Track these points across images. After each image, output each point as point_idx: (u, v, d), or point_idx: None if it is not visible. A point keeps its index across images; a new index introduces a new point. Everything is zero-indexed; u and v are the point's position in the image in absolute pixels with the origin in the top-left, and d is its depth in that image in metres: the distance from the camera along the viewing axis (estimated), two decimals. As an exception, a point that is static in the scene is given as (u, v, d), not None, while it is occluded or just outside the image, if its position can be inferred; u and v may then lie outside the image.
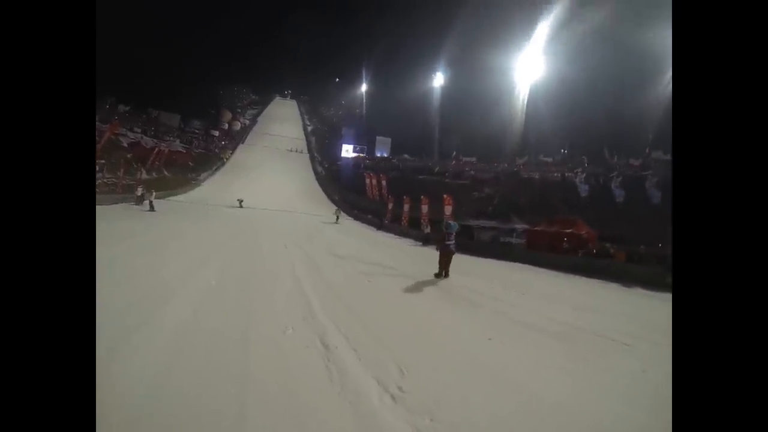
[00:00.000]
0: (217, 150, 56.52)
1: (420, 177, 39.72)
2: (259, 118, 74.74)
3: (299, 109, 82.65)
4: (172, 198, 32.27)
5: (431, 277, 9.92)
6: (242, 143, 61.93)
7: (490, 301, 7.98)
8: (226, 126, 67.78)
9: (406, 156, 50.42)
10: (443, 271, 10.00)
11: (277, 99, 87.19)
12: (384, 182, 38.56)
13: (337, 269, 10.33)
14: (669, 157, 32.68)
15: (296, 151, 61.43)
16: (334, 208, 35.89)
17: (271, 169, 49.53)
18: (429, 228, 24.12)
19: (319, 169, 56.18)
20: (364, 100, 72.96)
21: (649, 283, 13.31)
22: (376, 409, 3.14)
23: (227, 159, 53.81)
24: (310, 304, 6.33)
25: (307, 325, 5.24)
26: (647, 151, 33.47)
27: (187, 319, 4.93)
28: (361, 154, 59.78)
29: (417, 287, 8.90)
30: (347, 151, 60.80)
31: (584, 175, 29.38)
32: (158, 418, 2.77)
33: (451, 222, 11.60)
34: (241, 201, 31.20)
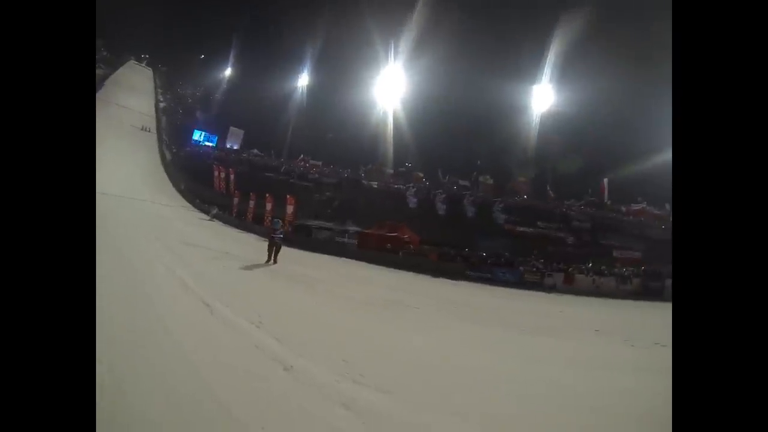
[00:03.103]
0: None
1: (267, 174, 40.37)
2: (107, 82, 63.66)
3: (154, 81, 73.08)
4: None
5: (272, 264, 12.42)
6: None
7: (320, 283, 10.88)
8: None
9: (255, 151, 49.73)
10: (271, 257, 12.61)
11: (131, 63, 75.26)
12: (232, 176, 38.69)
13: (195, 255, 12.18)
14: (491, 181, 39.68)
15: (147, 129, 55.91)
16: (180, 197, 35.21)
17: (114, 147, 45.00)
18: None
19: (167, 153, 51.81)
20: (225, 86, 69.30)
21: (453, 275, 18.22)
22: (250, 332, 5.50)
23: None
24: (184, 281, 8.21)
25: (188, 293, 7.28)
26: (475, 174, 39.90)
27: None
28: (210, 143, 57.46)
29: (260, 269, 11.55)
30: (199, 137, 58.07)
31: (415, 189, 34.14)
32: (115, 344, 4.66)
33: (277, 219, 15.01)
34: None
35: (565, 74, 38.23)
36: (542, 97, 39.22)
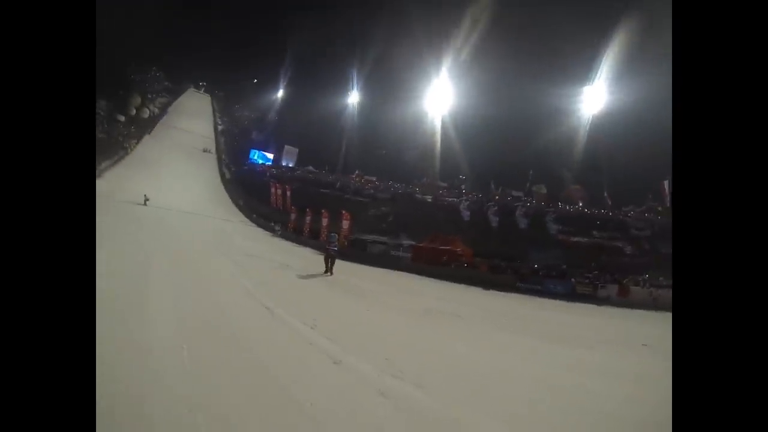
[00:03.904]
0: (121, 138, 50.26)
1: (322, 191, 41.43)
2: (170, 109, 68.77)
3: (212, 105, 77.33)
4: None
5: (329, 275, 13.24)
6: (149, 134, 56.39)
7: (372, 293, 11.48)
8: (134, 112, 60.53)
9: (310, 168, 51.06)
10: (328, 269, 13.49)
11: (191, 90, 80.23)
12: (288, 193, 39.72)
13: (256, 266, 13.20)
14: (545, 190, 39.08)
15: (208, 151, 59.01)
16: (239, 213, 36.75)
17: (177, 167, 47.73)
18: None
19: (226, 172, 54.34)
20: (279, 107, 72.06)
21: (504, 287, 18.23)
22: (305, 333, 6.13)
23: (131, 149, 49.16)
24: (247, 288, 9.10)
25: (250, 298, 8.11)
26: (528, 185, 39.54)
27: (174, 300, 7.41)
28: (267, 163, 59.27)
29: (316, 279, 12.45)
30: (256, 156, 60.62)
31: (468, 202, 34.27)
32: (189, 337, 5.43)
33: (332, 233, 16.13)
34: (146, 198, 29.18)
35: (618, 73, 37.02)
36: (595, 99, 38.23)
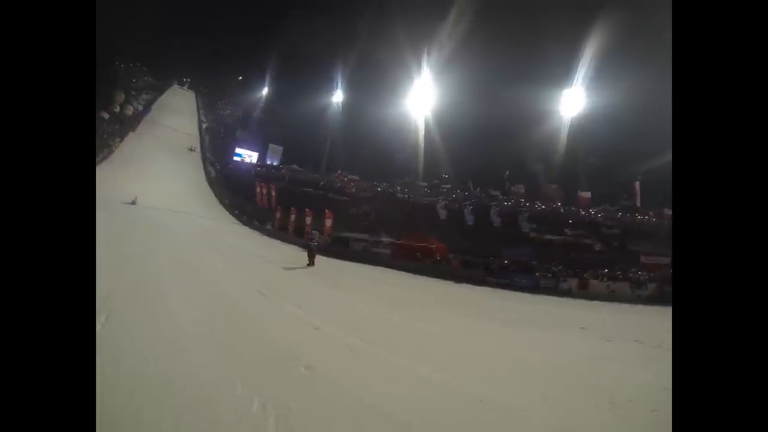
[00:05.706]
0: (105, 135, 48.64)
1: (306, 190, 42.01)
2: (154, 106, 67.65)
3: (196, 102, 76.50)
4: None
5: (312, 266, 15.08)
6: (133, 131, 55.25)
7: (350, 284, 13.10)
8: (118, 108, 59.47)
9: (295, 166, 51.30)
10: (310, 261, 15.48)
11: (175, 86, 79.08)
12: (273, 192, 40.44)
13: (247, 261, 14.75)
14: (523, 189, 40.55)
15: (193, 149, 58.78)
16: (225, 211, 37.52)
17: (164, 166, 47.79)
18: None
19: (211, 170, 53.45)
20: (263, 104, 71.19)
21: (474, 281, 19.91)
22: (292, 311, 7.67)
23: (116, 147, 48.24)
24: (242, 279, 10.62)
25: (245, 285, 9.63)
26: (507, 184, 40.92)
27: (182, 290, 8.87)
28: (252, 160, 59.43)
29: (300, 271, 14.20)
30: (240, 154, 60.78)
31: (445, 201, 35.74)
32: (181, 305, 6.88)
33: (314, 231, 18.58)
34: (135, 199, 29.50)
35: (597, 77, 38.26)
36: (573, 102, 39.71)
